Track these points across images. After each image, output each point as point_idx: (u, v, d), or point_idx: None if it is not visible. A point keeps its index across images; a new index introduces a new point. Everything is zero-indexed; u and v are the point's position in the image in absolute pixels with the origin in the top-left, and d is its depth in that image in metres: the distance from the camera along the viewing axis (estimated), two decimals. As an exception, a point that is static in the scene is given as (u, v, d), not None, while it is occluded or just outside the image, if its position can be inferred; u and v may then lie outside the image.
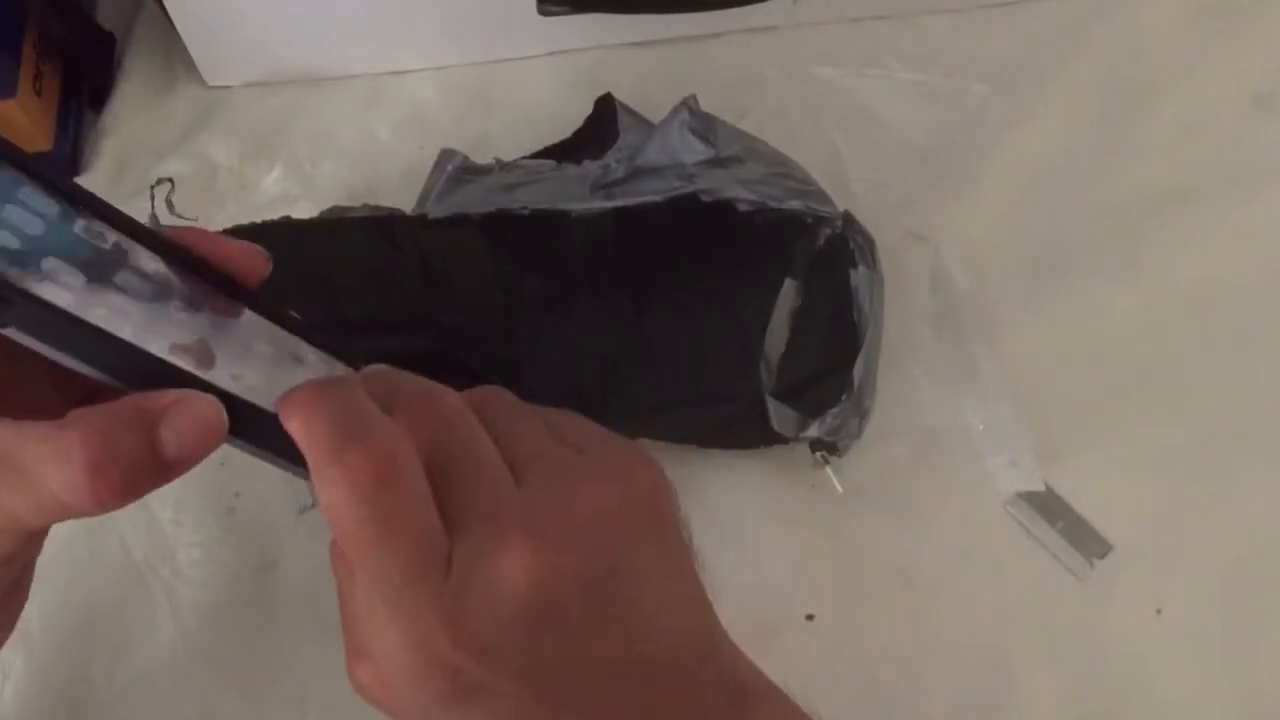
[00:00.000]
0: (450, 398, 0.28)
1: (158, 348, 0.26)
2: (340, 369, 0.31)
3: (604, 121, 0.54)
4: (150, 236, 0.28)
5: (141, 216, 0.47)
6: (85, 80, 0.61)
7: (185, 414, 0.25)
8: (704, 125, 0.51)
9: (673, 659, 0.28)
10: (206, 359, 0.27)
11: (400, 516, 0.25)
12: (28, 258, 0.25)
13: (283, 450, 0.27)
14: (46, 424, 0.24)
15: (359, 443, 0.25)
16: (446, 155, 0.53)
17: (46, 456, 0.23)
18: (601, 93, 0.55)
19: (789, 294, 0.49)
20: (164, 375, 0.26)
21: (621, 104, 0.54)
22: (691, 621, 0.30)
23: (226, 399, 0.27)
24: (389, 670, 0.26)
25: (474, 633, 0.26)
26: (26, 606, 0.47)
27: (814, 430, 0.47)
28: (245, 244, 0.29)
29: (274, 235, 0.49)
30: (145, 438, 0.24)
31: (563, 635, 0.26)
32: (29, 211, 0.25)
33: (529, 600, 0.26)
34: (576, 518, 0.27)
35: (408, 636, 0.26)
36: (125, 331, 0.26)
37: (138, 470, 0.24)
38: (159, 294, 0.27)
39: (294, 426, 0.26)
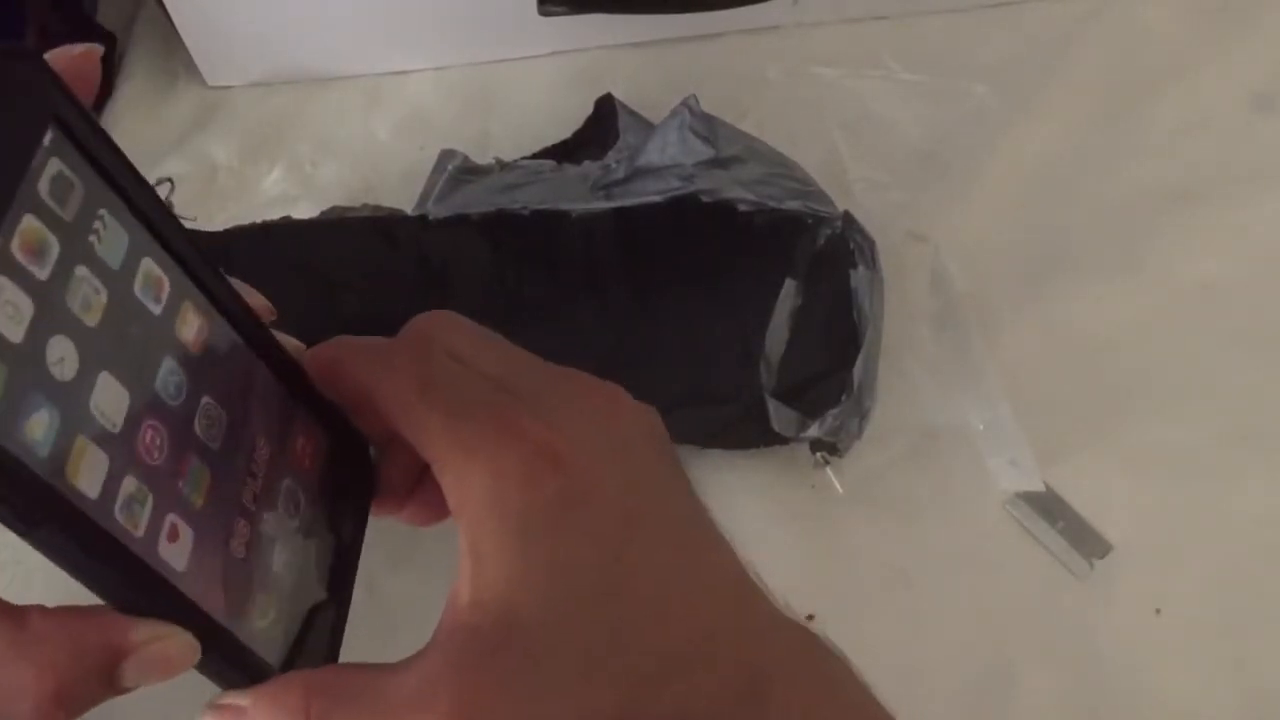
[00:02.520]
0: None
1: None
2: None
3: (604, 122, 0.54)
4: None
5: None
6: (85, 80, 0.61)
7: (156, 655, 0.23)
8: (704, 125, 0.51)
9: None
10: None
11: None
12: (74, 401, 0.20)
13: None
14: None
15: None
16: (446, 155, 0.53)
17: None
18: (601, 93, 0.55)
19: (789, 294, 0.49)
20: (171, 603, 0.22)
21: (621, 104, 0.54)
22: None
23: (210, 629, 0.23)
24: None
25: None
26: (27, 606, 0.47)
27: (814, 430, 0.47)
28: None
29: (274, 235, 0.49)
30: (106, 674, 0.22)
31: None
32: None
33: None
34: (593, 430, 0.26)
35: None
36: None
37: (87, 703, 0.23)
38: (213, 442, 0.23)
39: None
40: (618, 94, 0.55)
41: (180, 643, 0.23)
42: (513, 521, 0.24)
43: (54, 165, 0.20)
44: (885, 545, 0.47)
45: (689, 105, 0.51)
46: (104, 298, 0.21)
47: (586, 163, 0.52)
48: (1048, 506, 0.48)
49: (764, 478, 0.48)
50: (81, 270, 0.20)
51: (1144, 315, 0.52)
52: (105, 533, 0.20)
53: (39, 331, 0.19)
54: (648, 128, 0.53)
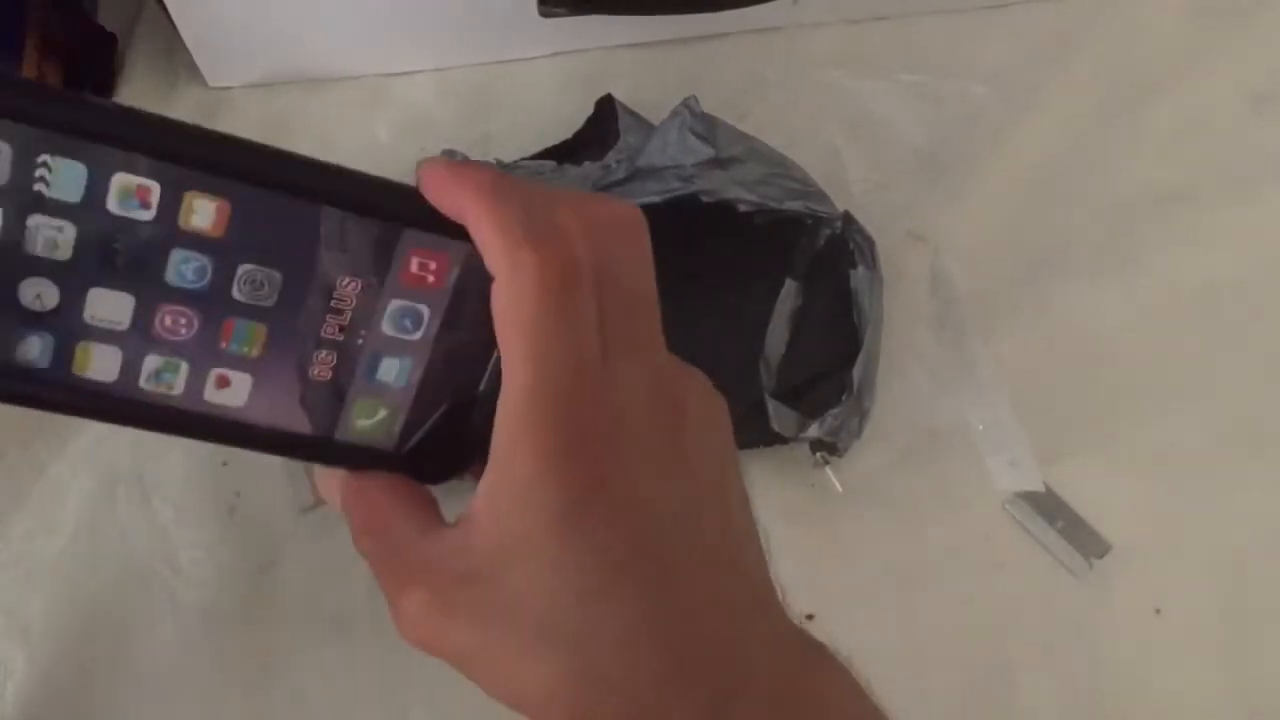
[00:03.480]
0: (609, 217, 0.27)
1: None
2: None
3: (604, 122, 0.54)
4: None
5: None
6: (86, 81, 0.61)
7: None
8: (704, 126, 0.51)
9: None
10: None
11: (579, 323, 0.24)
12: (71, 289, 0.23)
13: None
14: None
15: (551, 238, 0.24)
16: (447, 156, 0.53)
17: None
18: (601, 93, 0.55)
19: (789, 294, 0.49)
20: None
21: (622, 105, 0.54)
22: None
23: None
24: (519, 478, 0.24)
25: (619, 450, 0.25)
26: (28, 606, 0.47)
27: (814, 430, 0.47)
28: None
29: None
30: None
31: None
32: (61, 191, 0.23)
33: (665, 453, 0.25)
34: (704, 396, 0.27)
35: (564, 435, 0.24)
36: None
37: None
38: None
39: (480, 207, 0.25)
40: (618, 94, 0.55)
41: None
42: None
43: None
44: (885, 545, 0.47)
45: (689, 105, 0.51)
46: (70, 233, 0.23)
47: (587, 163, 0.52)
48: (1047, 506, 0.48)
49: (764, 478, 0.48)
50: (35, 219, 0.23)
51: (1144, 315, 0.52)
52: (135, 400, 0.25)
53: (5, 283, 0.23)
54: (648, 128, 0.53)
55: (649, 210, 0.48)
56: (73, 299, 0.24)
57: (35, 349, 0.24)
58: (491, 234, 0.24)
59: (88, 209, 0.23)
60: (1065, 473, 0.48)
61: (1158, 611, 0.46)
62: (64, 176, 0.23)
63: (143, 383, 0.25)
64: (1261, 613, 0.46)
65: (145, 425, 0.26)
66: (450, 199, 0.25)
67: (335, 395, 0.27)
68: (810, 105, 0.58)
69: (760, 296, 0.48)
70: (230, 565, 0.48)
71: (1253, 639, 0.45)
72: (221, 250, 0.24)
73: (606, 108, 0.55)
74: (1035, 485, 0.48)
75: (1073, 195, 0.55)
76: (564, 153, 0.55)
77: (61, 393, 0.25)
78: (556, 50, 0.61)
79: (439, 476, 0.28)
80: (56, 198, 0.23)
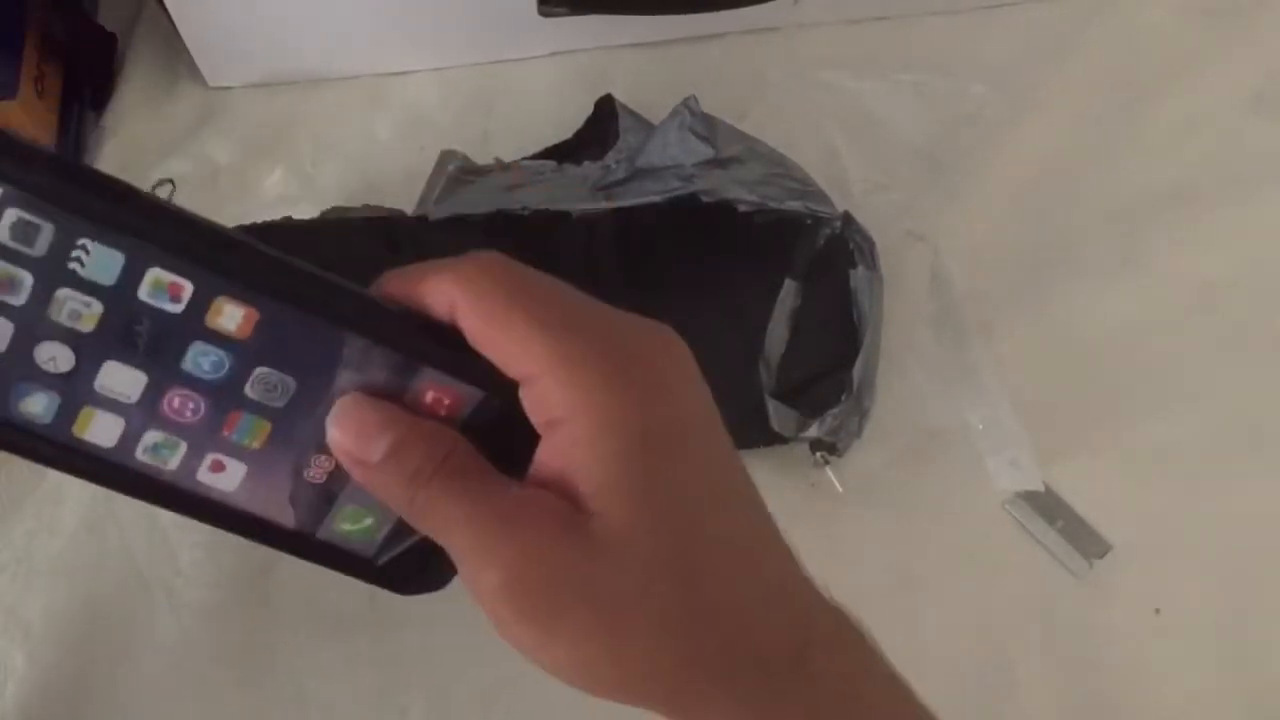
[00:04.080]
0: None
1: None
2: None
3: (604, 122, 0.54)
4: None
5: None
6: (87, 81, 0.61)
7: None
8: (704, 126, 0.51)
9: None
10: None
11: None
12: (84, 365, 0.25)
13: None
14: None
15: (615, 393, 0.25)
16: (447, 156, 0.53)
17: None
18: (601, 93, 0.55)
19: (789, 294, 0.49)
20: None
21: (621, 104, 0.54)
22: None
23: None
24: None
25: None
26: (29, 606, 0.47)
27: (814, 430, 0.47)
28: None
29: (275, 236, 0.49)
30: None
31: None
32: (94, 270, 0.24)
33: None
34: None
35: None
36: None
37: None
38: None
39: (538, 366, 0.25)
40: (618, 94, 0.55)
41: None
42: (633, 440, 0.25)
43: (11, 214, 0.23)
44: (885, 545, 0.47)
45: (689, 105, 0.51)
46: (96, 309, 0.24)
47: (587, 163, 0.52)
48: (1047, 506, 0.48)
49: (764, 478, 0.48)
50: (64, 291, 0.24)
51: (1144, 315, 0.52)
52: (127, 467, 0.26)
53: (22, 341, 0.24)
54: (648, 128, 0.53)
55: (649, 210, 0.48)
56: (87, 367, 0.25)
57: (40, 405, 0.25)
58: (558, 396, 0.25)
59: (118, 293, 0.24)
60: (1065, 473, 0.48)
61: (1158, 611, 0.46)
62: (100, 261, 0.24)
63: (139, 454, 0.26)
64: (1261, 613, 0.46)
65: (133, 493, 0.27)
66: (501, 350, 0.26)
67: (325, 498, 0.28)
68: (810, 105, 0.58)
69: (760, 296, 0.48)
70: (230, 565, 0.48)
71: (1253, 639, 0.45)
72: (242, 350, 0.25)
73: (606, 108, 0.55)
74: (1035, 485, 0.48)
75: (1072, 195, 0.55)
76: (564, 152, 0.55)
77: (57, 450, 0.26)
78: (556, 50, 0.61)
79: (410, 590, 0.29)
80: (89, 278, 0.24)
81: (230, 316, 0.25)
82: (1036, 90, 0.58)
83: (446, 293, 0.26)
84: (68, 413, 0.25)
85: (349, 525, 0.28)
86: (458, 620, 0.47)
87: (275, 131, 0.60)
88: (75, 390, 0.25)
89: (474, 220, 0.49)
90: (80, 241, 0.23)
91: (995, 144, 0.57)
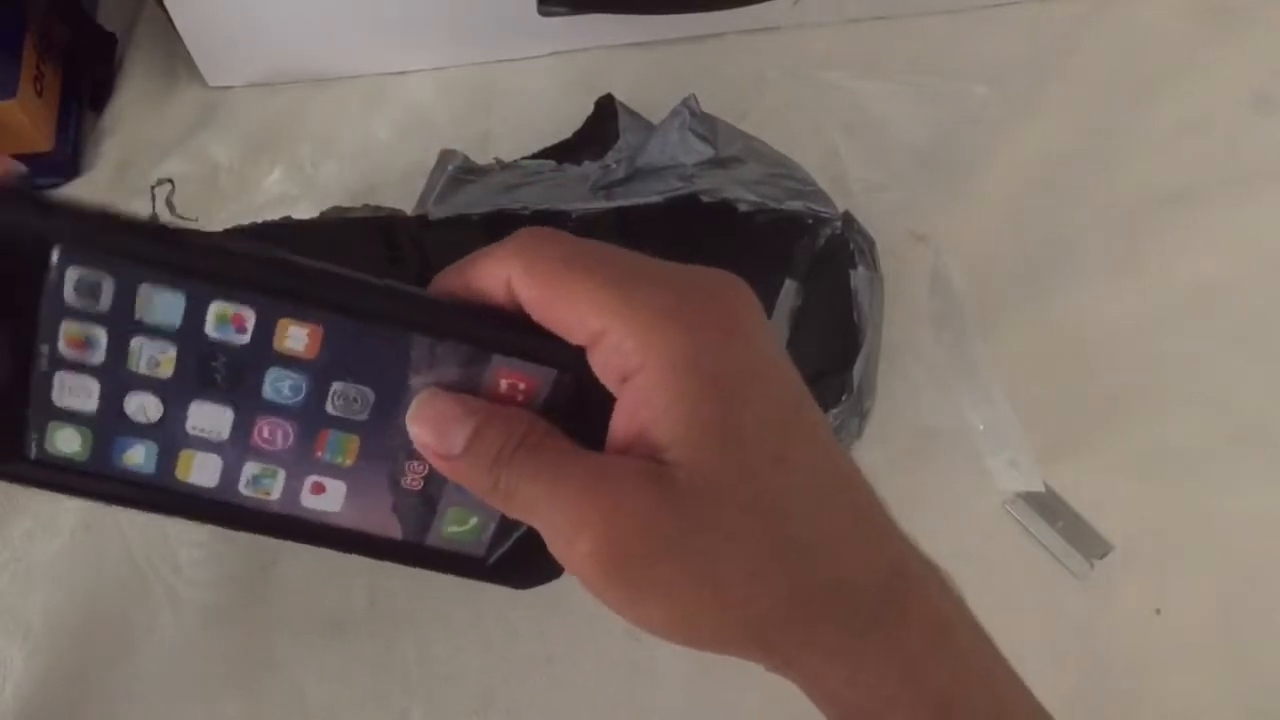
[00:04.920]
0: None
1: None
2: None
3: (604, 122, 0.54)
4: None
5: (142, 217, 0.47)
6: (86, 81, 0.61)
7: None
8: (704, 126, 0.51)
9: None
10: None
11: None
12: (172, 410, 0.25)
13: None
14: None
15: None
16: (447, 155, 0.53)
17: None
18: (601, 93, 0.55)
19: (789, 294, 0.49)
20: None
21: (621, 104, 0.54)
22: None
23: None
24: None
25: None
26: (28, 605, 0.47)
27: (814, 430, 0.47)
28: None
29: (274, 235, 0.49)
30: None
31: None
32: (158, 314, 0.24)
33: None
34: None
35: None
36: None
37: None
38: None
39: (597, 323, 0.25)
40: (618, 94, 0.55)
41: None
42: (708, 380, 0.24)
43: (73, 273, 0.24)
44: (885, 545, 0.47)
45: (689, 105, 0.51)
46: (172, 352, 0.25)
47: (587, 163, 0.52)
48: (1048, 506, 0.48)
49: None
50: (137, 340, 0.25)
51: (1144, 315, 0.52)
52: (234, 504, 0.27)
53: (111, 395, 0.25)
54: (648, 128, 0.53)
55: (649, 210, 0.48)
56: (175, 412, 0.26)
57: (141, 456, 0.26)
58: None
59: (187, 333, 0.25)
60: (1066, 473, 0.48)
61: (1158, 611, 0.46)
62: (163, 305, 0.24)
63: (242, 488, 0.27)
64: (1261, 613, 0.46)
65: (245, 528, 0.27)
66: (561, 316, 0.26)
67: (427, 503, 0.28)
68: (810, 105, 0.58)
69: (760, 296, 0.48)
70: (230, 565, 0.48)
71: (1253, 639, 0.45)
72: (315, 369, 0.26)
73: (606, 107, 0.55)
74: (1035, 485, 0.48)
75: (1073, 195, 0.55)
76: (564, 152, 0.55)
77: (165, 497, 0.26)
78: (556, 50, 0.61)
79: (525, 583, 0.29)
80: (157, 323, 0.24)
81: (296, 337, 0.25)
82: (1037, 90, 0.58)
83: (499, 270, 0.25)
84: (168, 459, 0.26)
85: (455, 527, 0.28)
86: (458, 621, 0.47)
87: (275, 131, 0.60)
88: (170, 436, 0.26)
89: (474, 220, 0.49)
90: (140, 289, 0.24)
91: (995, 144, 0.57)
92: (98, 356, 0.25)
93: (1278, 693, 0.44)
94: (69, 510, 0.49)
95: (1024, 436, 0.49)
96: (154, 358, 0.25)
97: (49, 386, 0.25)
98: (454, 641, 0.46)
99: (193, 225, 0.49)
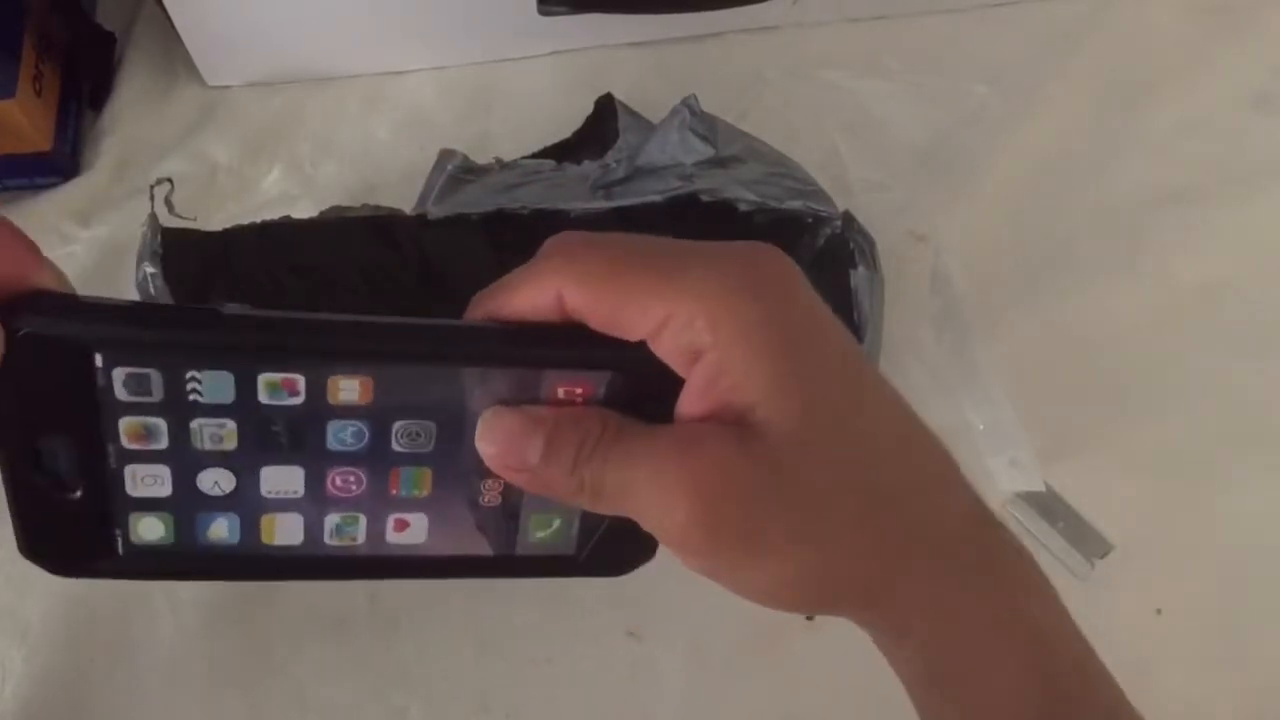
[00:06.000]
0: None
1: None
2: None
3: (604, 121, 0.54)
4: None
5: (141, 216, 0.47)
6: (85, 80, 0.61)
7: None
8: (704, 125, 0.51)
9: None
10: None
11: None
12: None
13: None
14: None
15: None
16: (446, 155, 0.53)
17: None
18: (601, 93, 0.55)
19: (789, 294, 0.49)
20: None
21: (621, 104, 0.54)
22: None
23: None
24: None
25: None
26: (27, 606, 0.47)
27: (814, 430, 0.47)
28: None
29: (274, 235, 0.49)
30: None
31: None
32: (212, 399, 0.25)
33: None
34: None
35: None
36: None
37: None
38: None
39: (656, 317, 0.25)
40: (618, 94, 0.55)
41: None
42: (781, 340, 0.25)
43: (119, 372, 0.24)
44: (885, 545, 0.47)
45: (689, 105, 0.51)
46: (232, 425, 0.25)
47: (586, 162, 0.52)
48: (1048, 506, 0.47)
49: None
50: (197, 422, 0.25)
51: (1144, 315, 0.52)
52: (323, 556, 0.27)
53: (183, 476, 0.26)
54: (648, 128, 0.53)
55: (649, 209, 0.48)
56: (248, 480, 0.26)
57: (225, 529, 0.26)
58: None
59: (242, 406, 0.25)
60: (1066, 473, 0.48)
61: (1158, 611, 0.46)
62: (213, 385, 0.25)
63: (327, 539, 0.27)
64: (1261, 613, 0.46)
65: (340, 576, 0.28)
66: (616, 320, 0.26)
67: (509, 516, 0.28)
68: (810, 105, 0.58)
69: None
70: (229, 565, 0.48)
71: (1253, 639, 0.45)
72: (373, 414, 0.26)
73: (606, 107, 0.55)
74: (1036, 485, 0.48)
75: (1073, 195, 0.55)
76: (564, 151, 0.55)
77: (257, 563, 0.27)
78: (556, 49, 0.61)
79: (622, 569, 0.29)
80: (212, 401, 0.25)
81: (348, 389, 0.26)
82: (1036, 90, 0.58)
83: (548, 285, 0.26)
84: (251, 526, 0.26)
85: (541, 532, 0.29)
86: (457, 621, 0.47)
87: (274, 131, 0.60)
88: (248, 504, 0.26)
89: (473, 219, 0.49)
90: (189, 375, 0.24)
91: (995, 144, 0.57)
92: (162, 443, 0.25)
93: (1278, 693, 0.44)
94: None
95: (1024, 436, 0.49)
96: (216, 434, 0.25)
97: (122, 481, 0.25)
98: (454, 641, 0.46)
99: (192, 225, 0.49)
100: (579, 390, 0.27)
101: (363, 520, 0.27)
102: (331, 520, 0.27)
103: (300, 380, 0.25)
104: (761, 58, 0.60)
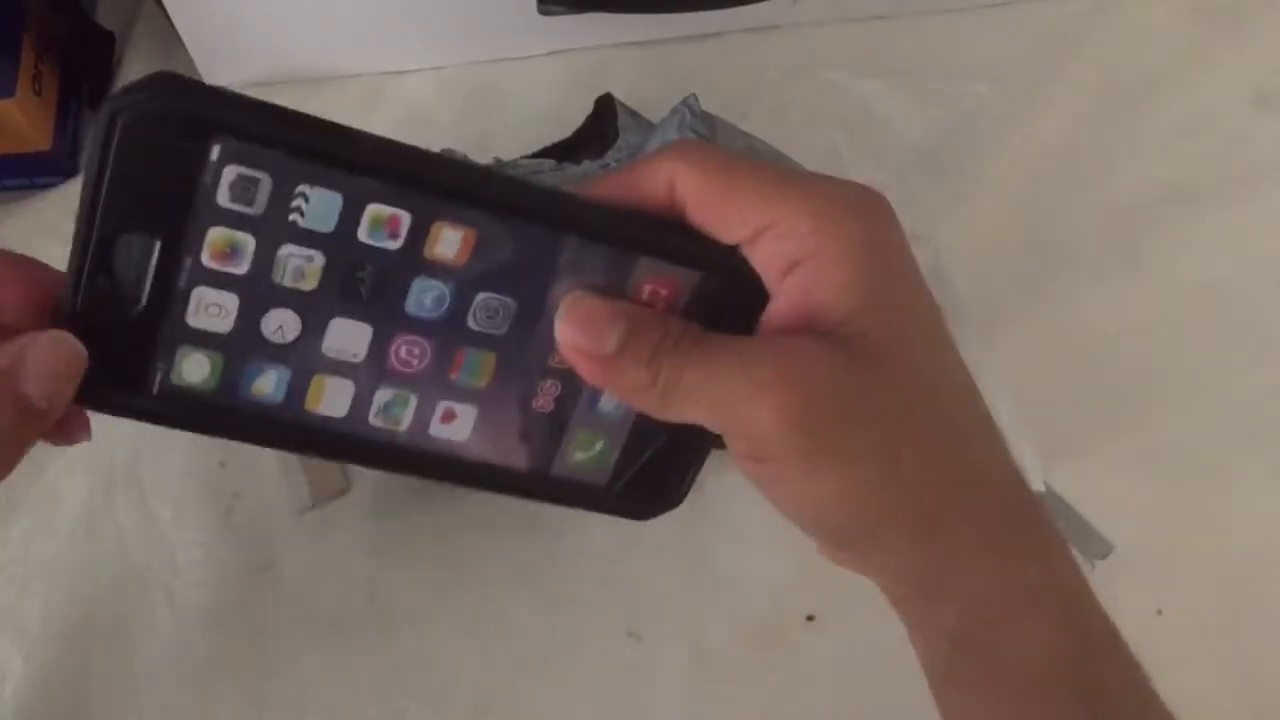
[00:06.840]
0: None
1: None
2: None
3: (604, 121, 0.54)
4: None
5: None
6: (84, 80, 0.61)
7: (42, 358, 0.23)
8: (704, 125, 0.50)
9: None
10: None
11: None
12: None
13: None
14: None
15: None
16: (446, 154, 0.53)
17: None
18: (601, 93, 0.55)
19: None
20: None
21: (621, 103, 0.54)
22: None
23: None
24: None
25: None
26: (26, 606, 0.47)
27: (814, 430, 0.47)
28: None
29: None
30: (13, 400, 0.23)
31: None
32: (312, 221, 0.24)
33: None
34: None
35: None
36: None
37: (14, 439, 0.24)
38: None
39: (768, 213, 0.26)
40: (618, 94, 0.55)
41: (56, 339, 0.24)
42: (883, 261, 0.25)
43: (230, 172, 0.22)
44: (885, 545, 0.47)
45: (689, 105, 0.51)
46: (319, 262, 0.24)
47: (586, 162, 0.52)
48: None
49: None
50: (286, 249, 0.23)
51: (1144, 315, 0.52)
52: (360, 436, 0.26)
53: (249, 312, 0.24)
54: (648, 127, 0.53)
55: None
56: (313, 331, 0.25)
57: (271, 384, 0.25)
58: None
59: (338, 239, 0.24)
60: (1067, 473, 0.48)
61: (1159, 612, 0.46)
62: (320, 207, 0.23)
63: (371, 418, 0.26)
64: (1261, 613, 0.46)
65: (367, 462, 0.27)
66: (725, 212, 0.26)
67: (556, 426, 0.27)
68: (810, 105, 0.58)
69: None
70: (229, 565, 0.48)
71: (1253, 639, 0.45)
72: (461, 279, 0.25)
73: (606, 106, 0.55)
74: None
75: (1073, 195, 0.55)
76: (563, 151, 0.55)
77: (290, 430, 0.25)
78: (556, 49, 0.61)
79: (645, 514, 0.29)
80: (309, 228, 0.23)
81: (449, 242, 0.24)
82: (1037, 90, 0.58)
83: (664, 169, 0.26)
84: (299, 387, 0.25)
85: (582, 453, 0.28)
86: (457, 620, 0.47)
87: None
88: (304, 359, 0.25)
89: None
90: (299, 189, 0.23)
91: (996, 144, 0.57)
92: (242, 267, 0.23)
93: (1278, 693, 0.44)
94: (67, 511, 0.49)
95: (1024, 436, 0.49)
96: (300, 268, 0.24)
97: (185, 305, 0.24)
98: (453, 641, 0.46)
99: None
100: (664, 292, 0.26)
101: (413, 403, 0.26)
102: (382, 396, 0.26)
103: (406, 220, 0.24)
104: (761, 58, 0.60)
